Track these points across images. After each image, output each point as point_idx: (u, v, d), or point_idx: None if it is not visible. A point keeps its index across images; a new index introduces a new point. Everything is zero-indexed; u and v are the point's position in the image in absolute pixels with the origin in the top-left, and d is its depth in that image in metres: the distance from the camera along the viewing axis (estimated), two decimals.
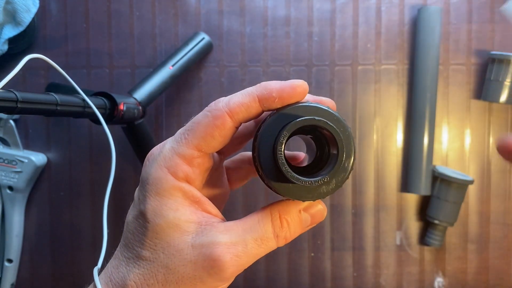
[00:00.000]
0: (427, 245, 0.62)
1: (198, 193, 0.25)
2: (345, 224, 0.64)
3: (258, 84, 0.25)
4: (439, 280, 0.64)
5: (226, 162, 0.32)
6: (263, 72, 0.63)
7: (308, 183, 0.23)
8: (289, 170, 0.22)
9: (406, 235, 0.64)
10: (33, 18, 0.60)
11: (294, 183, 0.23)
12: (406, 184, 0.63)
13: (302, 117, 0.23)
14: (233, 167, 0.32)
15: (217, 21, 0.63)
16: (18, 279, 0.64)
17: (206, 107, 0.25)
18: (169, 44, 0.63)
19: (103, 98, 0.48)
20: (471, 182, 0.61)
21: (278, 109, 0.25)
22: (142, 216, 0.25)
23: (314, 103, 0.25)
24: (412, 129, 0.62)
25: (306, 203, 0.26)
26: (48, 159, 0.64)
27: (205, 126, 0.24)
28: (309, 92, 0.26)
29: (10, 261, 0.63)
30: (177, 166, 0.24)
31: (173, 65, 0.59)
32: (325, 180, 0.23)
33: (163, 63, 0.59)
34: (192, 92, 0.64)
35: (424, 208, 0.63)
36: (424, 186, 0.61)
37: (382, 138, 0.64)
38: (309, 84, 0.63)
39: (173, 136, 0.26)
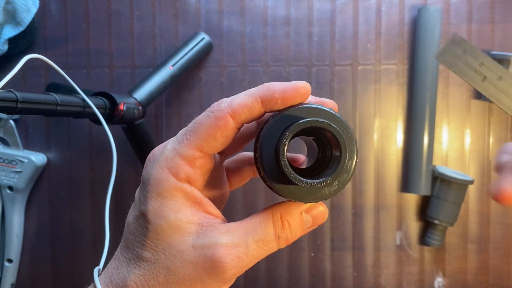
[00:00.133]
0: (427, 245, 0.62)
1: (199, 194, 0.25)
2: (345, 224, 0.64)
3: (261, 85, 0.25)
4: (439, 280, 0.64)
5: (226, 162, 0.32)
6: (263, 72, 0.63)
7: (311, 185, 0.23)
8: (292, 171, 0.22)
9: (406, 235, 0.64)
10: (33, 18, 0.60)
11: (297, 184, 0.23)
12: (406, 184, 0.63)
13: (305, 118, 0.23)
14: (233, 167, 0.32)
15: (217, 21, 0.63)
16: (18, 279, 0.64)
17: (208, 108, 0.25)
18: (169, 44, 0.63)
19: (103, 98, 0.48)
20: (471, 182, 0.61)
21: (280, 111, 0.24)
22: (143, 217, 0.25)
23: (317, 104, 0.25)
24: (412, 129, 0.62)
25: (308, 204, 0.26)
26: (48, 159, 0.64)
27: (207, 127, 0.24)
28: None
29: (10, 261, 0.63)
30: (178, 167, 0.24)
31: (173, 65, 0.59)
32: (328, 182, 0.23)
33: (163, 63, 0.59)
34: (192, 92, 0.64)
35: (424, 208, 0.63)
36: (424, 186, 0.61)
37: (382, 138, 0.64)
38: (309, 84, 0.63)
39: (174, 137, 0.26)
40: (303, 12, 0.63)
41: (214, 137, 0.24)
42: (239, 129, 0.25)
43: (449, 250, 0.64)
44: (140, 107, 0.55)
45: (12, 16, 0.58)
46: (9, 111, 0.36)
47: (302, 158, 0.32)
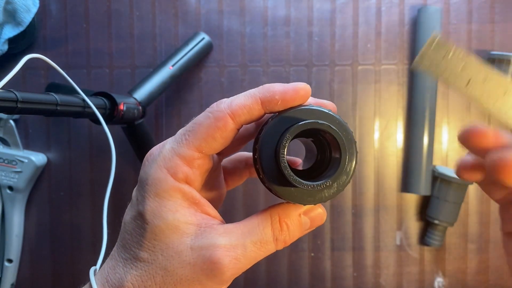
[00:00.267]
0: (427, 245, 0.62)
1: (198, 195, 0.25)
2: (345, 224, 0.64)
3: (261, 86, 0.25)
4: (439, 280, 0.64)
5: (223, 161, 0.32)
6: (263, 72, 0.63)
7: (310, 187, 0.22)
8: (292, 173, 0.22)
9: (406, 235, 0.64)
10: (33, 18, 0.60)
11: (296, 186, 0.22)
12: (406, 184, 0.63)
13: (305, 120, 0.23)
14: (230, 167, 0.32)
15: (217, 21, 0.63)
16: (18, 279, 0.64)
17: (208, 108, 0.25)
18: (169, 44, 0.63)
19: (103, 98, 0.48)
20: (471, 182, 0.60)
21: (280, 112, 0.24)
22: (140, 217, 0.25)
23: (316, 106, 0.24)
24: (412, 129, 0.62)
25: (307, 206, 0.26)
26: (48, 159, 0.64)
27: (206, 127, 0.24)
28: None
29: (10, 261, 0.63)
30: (177, 167, 0.24)
31: (173, 65, 0.59)
32: (327, 184, 0.23)
33: (163, 63, 0.59)
34: (192, 92, 0.64)
35: (424, 208, 0.63)
36: (424, 186, 0.61)
37: (382, 138, 0.64)
38: (309, 84, 0.63)
39: (173, 137, 0.26)
40: (303, 12, 0.63)
41: (213, 137, 0.24)
42: (238, 130, 0.25)
43: (449, 250, 0.64)
44: (140, 107, 0.55)
45: (12, 16, 0.58)
46: (9, 111, 0.36)
47: (299, 161, 0.32)
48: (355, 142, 0.24)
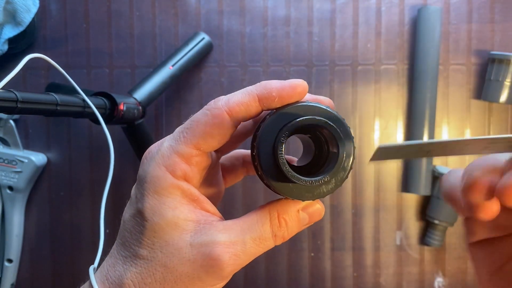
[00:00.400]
0: (427, 245, 0.62)
1: (196, 192, 0.25)
2: (345, 224, 0.64)
3: (258, 83, 0.25)
4: (439, 280, 0.64)
5: (220, 159, 0.32)
6: (263, 72, 0.63)
7: (309, 182, 0.23)
8: (290, 170, 0.22)
9: (406, 235, 0.64)
10: (33, 18, 0.60)
11: (295, 182, 0.23)
12: (406, 184, 0.63)
13: (302, 116, 0.23)
14: (227, 165, 0.32)
15: (217, 21, 0.63)
16: (18, 279, 0.64)
17: (206, 106, 0.25)
18: (169, 44, 0.63)
19: (103, 98, 0.48)
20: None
21: (277, 109, 0.24)
22: (140, 214, 0.25)
23: (314, 102, 0.25)
24: (412, 129, 0.62)
25: (305, 202, 0.26)
26: (48, 159, 0.64)
27: (204, 124, 0.24)
28: (309, 92, 0.25)
29: (10, 261, 0.63)
30: (175, 165, 0.24)
31: (173, 65, 0.59)
32: (325, 179, 0.23)
33: (163, 63, 0.59)
34: (192, 92, 0.64)
35: (424, 208, 0.63)
36: (424, 186, 0.61)
37: (382, 138, 0.64)
38: (309, 84, 0.63)
39: (171, 134, 0.26)
40: (303, 12, 0.63)
41: (211, 135, 0.24)
42: (236, 127, 0.25)
43: (449, 250, 0.64)
44: (140, 107, 0.55)
45: (12, 16, 0.58)
46: (9, 111, 0.36)
47: (294, 160, 0.32)
48: (353, 137, 0.24)
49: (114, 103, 0.49)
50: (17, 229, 0.63)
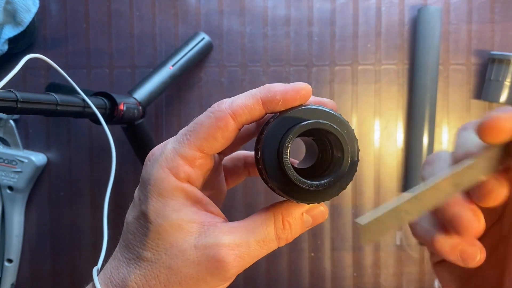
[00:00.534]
0: None
1: (200, 193, 0.25)
2: (345, 224, 0.64)
3: (262, 86, 0.25)
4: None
5: (223, 160, 0.32)
6: (263, 72, 0.63)
7: (314, 186, 0.23)
8: (295, 174, 0.22)
9: (406, 235, 0.64)
10: (33, 18, 0.60)
11: (300, 186, 0.23)
12: (406, 184, 0.63)
13: (307, 120, 0.23)
14: (229, 166, 0.32)
15: (217, 21, 0.63)
16: (18, 279, 0.64)
17: (209, 108, 0.25)
18: (169, 44, 0.63)
19: (103, 98, 0.48)
20: None
21: (281, 112, 0.24)
22: (143, 216, 0.25)
23: (318, 105, 0.24)
24: (412, 129, 0.62)
25: (309, 205, 0.26)
26: (48, 159, 0.64)
27: (207, 127, 0.24)
28: None
29: (10, 261, 0.63)
30: (179, 167, 0.24)
31: (173, 65, 0.59)
32: (330, 183, 0.23)
33: (163, 63, 0.59)
34: (192, 92, 0.64)
35: None
36: None
37: (382, 138, 0.64)
38: (309, 84, 0.63)
39: (174, 136, 0.26)
40: (303, 12, 0.63)
41: (215, 137, 0.24)
42: (239, 130, 0.25)
43: None
44: (140, 107, 0.55)
45: (12, 16, 0.58)
46: (9, 111, 0.36)
47: (295, 162, 0.32)
48: (357, 140, 0.24)
49: (114, 103, 0.49)
50: (17, 229, 0.63)
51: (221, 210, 0.27)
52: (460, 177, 0.21)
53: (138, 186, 0.26)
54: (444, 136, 0.64)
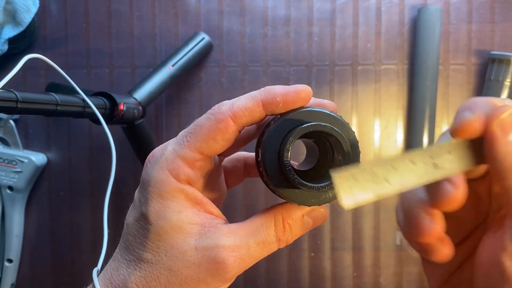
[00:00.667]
0: None
1: (200, 195, 0.25)
2: (345, 224, 0.64)
3: (262, 89, 0.25)
4: None
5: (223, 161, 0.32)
6: (263, 72, 0.63)
7: (315, 189, 0.23)
8: (296, 176, 0.22)
9: None
10: (33, 18, 0.60)
11: (300, 188, 0.23)
12: None
13: (307, 122, 0.23)
14: (229, 167, 0.32)
15: (217, 21, 0.63)
16: (18, 279, 0.64)
17: (209, 110, 0.25)
18: (169, 44, 0.63)
19: (103, 98, 0.48)
20: None
21: (281, 114, 0.24)
22: (144, 218, 0.25)
23: (318, 107, 0.24)
24: (412, 129, 0.62)
25: (310, 207, 0.26)
26: (48, 159, 0.64)
27: (208, 129, 0.24)
28: None
29: (10, 261, 0.63)
30: (179, 169, 0.24)
31: (173, 65, 0.59)
32: (331, 185, 0.23)
33: (163, 63, 0.59)
34: (192, 92, 0.64)
35: None
36: None
37: (382, 138, 0.64)
38: (309, 84, 0.63)
39: (175, 138, 0.26)
40: (303, 12, 0.63)
41: (215, 139, 0.24)
42: (239, 132, 0.25)
43: None
44: (140, 107, 0.55)
45: (12, 16, 0.58)
46: (9, 111, 0.36)
47: (294, 164, 0.32)
48: (357, 142, 0.24)
49: (114, 103, 0.49)
50: (17, 229, 0.63)
51: (222, 211, 0.27)
52: (437, 156, 0.21)
53: (138, 187, 0.26)
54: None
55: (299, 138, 0.23)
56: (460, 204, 0.21)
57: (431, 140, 0.62)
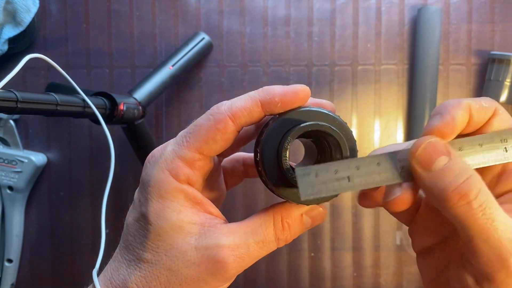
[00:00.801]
0: None
1: (200, 195, 0.25)
2: (345, 224, 0.64)
3: (261, 89, 0.25)
4: None
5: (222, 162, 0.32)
6: (263, 72, 0.63)
7: None
8: (295, 175, 0.23)
9: (406, 235, 0.64)
10: (33, 18, 0.60)
11: (299, 187, 0.23)
12: None
13: (306, 122, 0.23)
14: (229, 167, 0.32)
15: (217, 21, 0.63)
16: (18, 279, 0.64)
17: (209, 110, 0.25)
18: (169, 44, 0.63)
19: (103, 98, 0.48)
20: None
21: (280, 114, 0.25)
22: (143, 218, 0.25)
23: (316, 107, 0.25)
24: (412, 129, 0.62)
25: (309, 206, 0.26)
26: (48, 159, 0.64)
27: (207, 129, 0.24)
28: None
29: (10, 261, 0.63)
30: (178, 169, 0.25)
31: (173, 65, 0.59)
32: None
33: (163, 63, 0.59)
34: (192, 92, 0.64)
35: None
36: None
37: (382, 138, 0.64)
38: (309, 84, 0.63)
39: (174, 138, 0.26)
40: (303, 12, 0.63)
41: (214, 140, 0.24)
42: (238, 132, 0.25)
43: None
44: (140, 107, 0.55)
45: (12, 16, 0.58)
46: (9, 111, 0.36)
47: (293, 164, 0.32)
48: (355, 141, 0.24)
49: (114, 103, 0.49)
50: (17, 229, 0.63)
51: (221, 211, 0.27)
52: (399, 160, 0.23)
53: (138, 187, 0.26)
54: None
55: (297, 137, 0.23)
56: (405, 207, 0.23)
57: None
